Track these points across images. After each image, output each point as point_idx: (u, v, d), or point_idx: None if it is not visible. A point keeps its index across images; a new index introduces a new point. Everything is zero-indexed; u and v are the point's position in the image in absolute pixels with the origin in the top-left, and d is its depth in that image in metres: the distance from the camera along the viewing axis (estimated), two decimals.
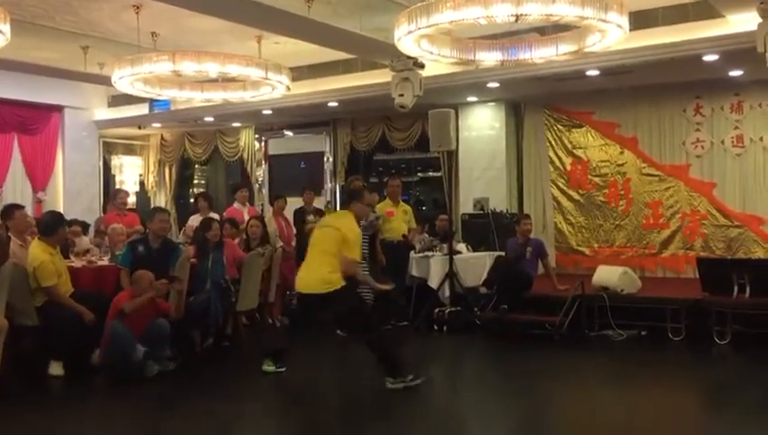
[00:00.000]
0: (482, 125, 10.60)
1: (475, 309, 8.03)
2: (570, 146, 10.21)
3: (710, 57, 7.43)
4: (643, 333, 7.53)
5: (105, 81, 9.03)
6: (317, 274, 5.53)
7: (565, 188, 10.24)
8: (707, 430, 4.96)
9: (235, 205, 9.25)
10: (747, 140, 9.03)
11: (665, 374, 6.42)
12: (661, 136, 9.56)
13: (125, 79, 7.68)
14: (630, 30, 6.04)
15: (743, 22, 6.75)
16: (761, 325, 7.01)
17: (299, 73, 9.16)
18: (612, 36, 6.03)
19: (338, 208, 10.22)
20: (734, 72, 8.29)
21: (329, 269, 5.47)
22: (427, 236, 8.81)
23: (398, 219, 8.46)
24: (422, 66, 8.00)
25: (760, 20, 6.33)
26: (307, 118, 11.84)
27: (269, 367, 5.97)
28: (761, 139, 8.94)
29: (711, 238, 9.22)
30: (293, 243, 8.98)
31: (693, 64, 7.67)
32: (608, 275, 7.93)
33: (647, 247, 9.62)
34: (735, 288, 7.13)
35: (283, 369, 5.95)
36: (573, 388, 6.02)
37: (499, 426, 4.76)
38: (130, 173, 14.14)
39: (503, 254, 8.33)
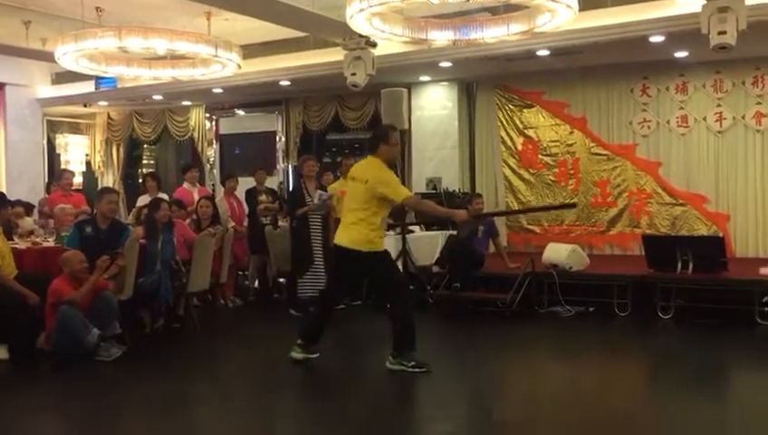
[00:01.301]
0: (434, 105, 10.63)
1: (428, 288, 8.10)
2: (521, 126, 10.33)
3: (656, 38, 7.58)
4: (591, 308, 7.72)
5: (48, 57, 8.76)
6: (352, 232, 5.31)
7: (516, 168, 10.37)
8: (648, 398, 5.13)
9: (185, 185, 9.11)
10: (692, 121, 9.26)
11: (610, 348, 6.61)
12: (609, 116, 9.74)
13: (69, 55, 7.46)
14: (580, 11, 6.14)
15: (688, 3, 6.90)
16: (702, 300, 7.25)
17: (250, 51, 9.04)
18: (562, 17, 6.10)
19: (290, 185, 10.15)
20: (680, 54, 8.47)
21: (359, 228, 5.26)
22: None
23: None
24: (374, 45, 7.97)
25: (704, 2, 6.47)
26: (259, 97, 11.70)
27: (298, 354, 5.61)
28: (704, 119, 9.18)
29: (656, 216, 9.46)
30: (245, 223, 8.90)
31: (640, 45, 7.82)
32: (557, 252, 8.08)
33: (595, 225, 9.83)
34: (679, 264, 7.35)
35: (315, 355, 5.64)
36: (523, 362, 6.15)
37: (449, 400, 4.82)
38: (76, 152, 13.79)
39: (455, 233, 8.41)
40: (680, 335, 6.97)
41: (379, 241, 5.34)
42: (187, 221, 7.93)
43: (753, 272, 7.33)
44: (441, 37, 6.87)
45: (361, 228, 5.29)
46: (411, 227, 8.87)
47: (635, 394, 5.25)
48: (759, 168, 8.91)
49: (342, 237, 5.39)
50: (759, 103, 8.87)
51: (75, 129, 13.82)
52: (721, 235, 8.48)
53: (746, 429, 4.33)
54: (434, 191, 10.25)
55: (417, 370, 5.24)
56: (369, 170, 5.38)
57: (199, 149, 12.72)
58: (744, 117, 8.96)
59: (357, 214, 5.33)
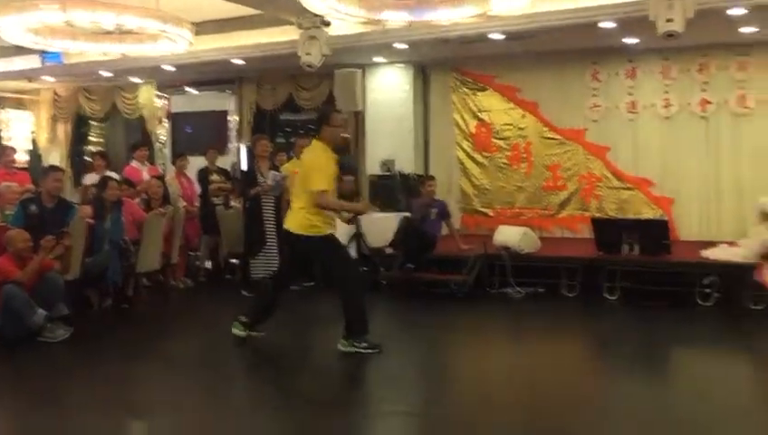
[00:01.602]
0: (389, 86, 10.60)
1: (382, 269, 8.14)
2: (475, 109, 10.39)
3: (607, 24, 7.69)
4: (540, 290, 7.86)
5: None
6: (296, 216, 5.37)
7: (470, 151, 10.44)
8: (594, 376, 5.29)
9: (134, 163, 8.94)
10: (640, 106, 9.45)
11: (558, 328, 6.77)
12: (561, 101, 9.86)
13: (12, 28, 7.20)
14: None
15: None
16: (647, 282, 7.46)
17: (202, 28, 8.84)
18: (516, 0, 6.14)
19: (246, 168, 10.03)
20: (629, 40, 8.62)
21: (302, 213, 5.30)
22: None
23: None
24: (328, 24, 7.91)
25: None
26: (211, 75, 11.49)
27: (240, 331, 5.64)
28: (652, 105, 9.37)
29: (605, 200, 9.66)
30: (197, 203, 8.79)
31: (590, 31, 7.92)
32: (509, 235, 8.20)
33: (546, 209, 9.98)
34: (626, 247, 7.53)
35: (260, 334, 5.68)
36: (474, 343, 6.26)
37: (401, 381, 4.87)
38: (20, 129, 13.36)
39: (408, 215, 8.44)
40: (625, 316, 7.16)
41: (323, 225, 5.33)
42: (137, 200, 7.79)
43: (694, 255, 7.57)
44: (396, 18, 6.86)
45: (304, 213, 5.32)
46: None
47: (582, 373, 5.40)
48: (703, 154, 9.15)
49: (288, 222, 5.47)
50: (704, 90, 9.09)
51: (19, 104, 13.38)
52: (665, 218, 8.71)
53: (684, 403, 4.50)
54: (388, 173, 10.26)
55: (369, 351, 5.24)
56: (307, 154, 5.49)
57: (149, 127, 12.46)
58: (689, 103, 9.18)
59: (300, 198, 5.39)
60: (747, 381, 5.18)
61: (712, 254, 7.49)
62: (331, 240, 5.44)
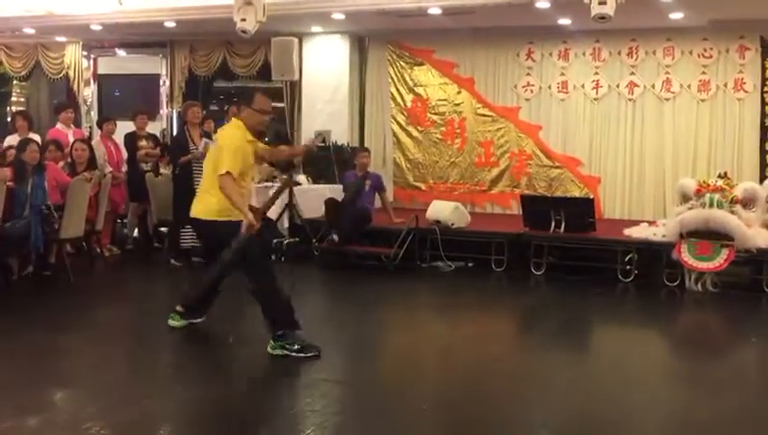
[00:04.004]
0: (326, 57, 10.50)
1: (313, 241, 8.12)
2: (411, 83, 10.41)
3: (542, 4, 7.80)
4: (470, 264, 8.02)
5: None
6: (202, 200, 4.90)
7: (405, 125, 10.47)
8: (518, 349, 5.47)
9: (59, 126, 8.61)
10: (571, 87, 9.66)
11: (486, 302, 6.94)
12: (495, 78, 9.98)
13: None
14: None
15: None
16: (572, 258, 7.71)
17: None
18: None
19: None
20: (563, 21, 8.78)
21: (207, 197, 4.83)
22: (266, 166, 8.71)
23: None
24: None
25: None
26: (142, 37, 11.11)
27: (176, 321, 5.21)
28: (582, 86, 9.60)
29: (534, 177, 9.87)
30: (124, 169, 8.55)
31: (526, 10, 8.02)
32: (440, 209, 8.30)
33: (478, 184, 10.14)
34: (552, 223, 7.75)
35: (199, 320, 5.26)
36: (403, 315, 6.35)
37: (327, 352, 4.90)
38: None
39: (331, 197, 8.34)
40: (550, 290, 7.39)
41: (217, 211, 4.78)
42: (61, 164, 7.51)
43: (618, 233, 7.85)
44: None
45: (204, 196, 4.90)
46: (297, 179, 8.84)
47: (507, 346, 5.56)
48: (629, 135, 9.44)
49: (194, 208, 4.99)
50: (632, 74, 9.36)
51: None
52: (591, 197, 8.98)
53: (603, 375, 4.71)
54: (323, 144, 10.20)
55: (302, 354, 4.63)
56: (224, 133, 5.02)
57: (75, 88, 11.99)
58: (618, 86, 9.44)
59: (206, 179, 4.91)
60: (657, 352, 5.47)
61: (633, 232, 7.78)
62: (235, 227, 4.76)
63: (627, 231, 7.84)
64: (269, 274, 4.86)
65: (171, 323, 5.23)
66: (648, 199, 9.35)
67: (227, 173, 4.65)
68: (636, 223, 8.26)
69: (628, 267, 7.38)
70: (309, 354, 4.64)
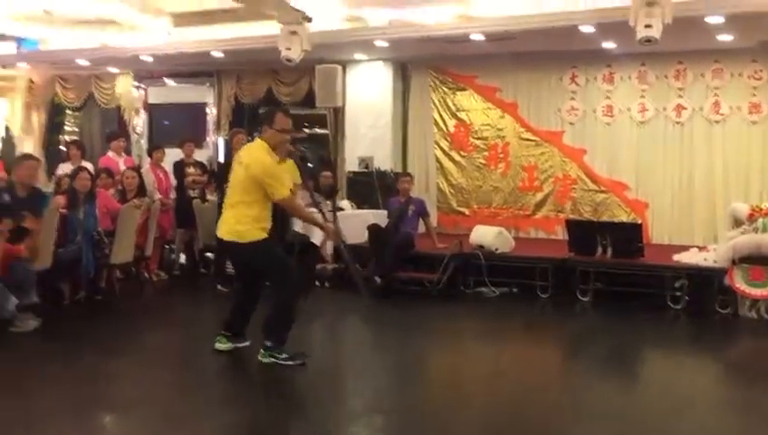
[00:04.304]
0: (369, 83, 10.61)
1: (357, 266, 8.11)
2: (453, 108, 10.43)
3: (586, 28, 7.77)
4: (514, 290, 7.92)
5: None
6: (230, 223, 4.99)
7: (448, 150, 10.48)
8: (564, 377, 5.35)
9: (110, 154, 8.86)
10: (616, 111, 9.55)
11: (531, 328, 6.85)
12: (539, 102, 9.94)
13: None
14: None
15: None
16: (619, 283, 7.54)
17: (182, 20, 8.81)
18: (497, 1, 6.18)
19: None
20: (608, 45, 8.71)
21: (237, 219, 4.92)
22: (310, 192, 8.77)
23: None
24: (310, 20, 7.89)
25: None
26: (190, 67, 11.39)
27: (223, 344, 5.27)
28: (628, 109, 9.48)
29: (580, 202, 9.75)
30: (172, 196, 8.72)
31: (570, 34, 7.99)
32: (484, 234, 8.25)
33: (521, 209, 10.06)
34: (599, 249, 7.62)
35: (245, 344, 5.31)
36: (447, 341, 6.29)
37: (373, 378, 4.89)
38: None
39: (375, 223, 8.34)
40: (597, 317, 7.25)
41: (247, 232, 4.90)
42: (112, 191, 7.72)
43: (667, 258, 7.67)
44: (378, 16, 6.86)
45: (229, 218, 4.97)
46: (341, 205, 8.89)
47: (553, 373, 5.46)
48: (677, 158, 9.28)
49: (220, 229, 5.09)
50: (680, 97, 9.22)
51: None
52: (639, 221, 8.82)
53: (651, 403, 4.57)
54: (366, 169, 10.27)
55: (290, 362, 4.88)
56: (250, 154, 4.98)
57: (126, 118, 12.33)
58: (665, 109, 9.30)
59: (233, 204, 4.97)
60: (709, 381, 5.31)
61: (683, 258, 7.61)
62: (265, 244, 4.96)
63: (676, 257, 7.67)
64: (295, 293, 5.08)
65: (262, 359, 5.06)
66: (698, 224, 9.15)
67: (289, 196, 4.88)
68: (685, 248, 8.06)
69: (677, 294, 7.20)
70: (297, 362, 4.89)
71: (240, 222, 4.92)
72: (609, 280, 7.60)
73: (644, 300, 7.32)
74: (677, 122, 9.25)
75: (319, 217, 5.37)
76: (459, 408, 4.47)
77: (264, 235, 4.93)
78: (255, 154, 4.93)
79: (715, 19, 7.27)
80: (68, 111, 13.48)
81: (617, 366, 5.51)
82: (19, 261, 5.81)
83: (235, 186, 4.98)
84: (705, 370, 5.63)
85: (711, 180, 9.09)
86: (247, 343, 5.34)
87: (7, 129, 13.26)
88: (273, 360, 4.91)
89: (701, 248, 7.89)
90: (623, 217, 9.37)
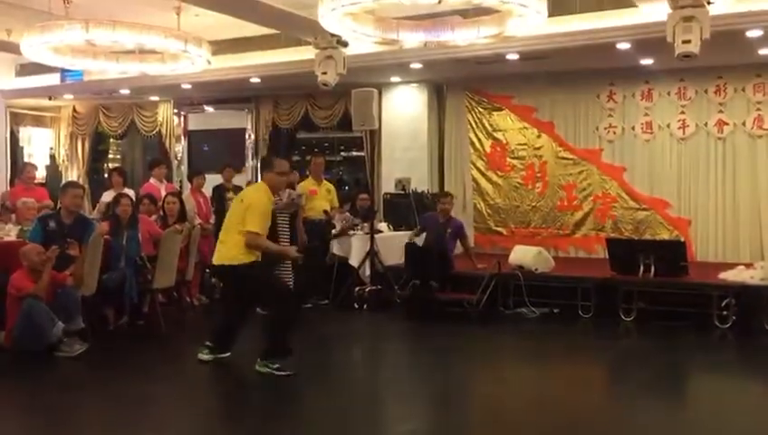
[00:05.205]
0: (405, 105, 10.67)
1: (395, 287, 8.12)
2: (490, 128, 10.42)
3: (623, 45, 7.71)
4: (555, 310, 7.82)
5: (13, 48, 8.58)
6: (223, 249, 5.48)
7: (484, 170, 10.45)
8: (609, 400, 5.23)
9: (152, 181, 9.01)
10: (656, 127, 9.44)
11: (574, 349, 6.71)
12: (576, 121, 9.87)
13: (35, 47, 7.32)
14: (549, 16, 6.20)
15: (654, 12, 7.02)
16: (663, 303, 7.39)
17: (220, 47, 8.96)
18: (531, 21, 6.17)
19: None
20: (645, 61, 8.63)
21: (230, 245, 5.38)
22: (348, 214, 8.84)
23: (321, 198, 8.45)
24: (345, 44, 7.97)
25: (670, 10, 6.60)
26: (228, 93, 11.61)
27: (205, 355, 5.68)
28: (668, 126, 9.36)
29: (620, 220, 9.62)
30: (212, 220, 8.84)
31: (607, 52, 7.94)
32: (523, 254, 8.17)
33: (561, 228, 9.96)
34: (641, 268, 7.48)
35: (225, 355, 5.72)
36: (488, 363, 6.21)
37: (413, 402, 4.85)
38: (40, 146, 13.54)
39: (412, 242, 8.35)
40: (641, 338, 7.10)
41: (236, 257, 5.34)
42: (154, 217, 7.85)
43: (712, 276, 7.50)
44: (412, 38, 6.90)
45: (221, 246, 5.47)
46: (379, 227, 8.91)
47: (597, 396, 5.35)
48: (720, 174, 9.11)
49: (215, 257, 5.56)
50: (721, 111, 9.07)
51: (39, 121, 13.57)
52: (682, 239, 8.66)
53: (702, 428, 4.45)
54: (402, 191, 10.29)
55: (282, 373, 5.27)
56: (250, 193, 5.69)
57: (167, 144, 12.59)
58: (706, 124, 9.15)
59: (228, 231, 5.46)
60: (762, 402, 5.12)
61: (729, 276, 7.43)
62: (256, 267, 5.41)
63: (722, 275, 7.48)
64: (291, 311, 5.50)
65: (259, 368, 5.39)
66: (744, 241, 8.94)
67: (257, 233, 5.29)
68: (731, 266, 7.85)
69: (724, 313, 7.02)
70: (288, 373, 5.25)
71: (230, 249, 5.38)
72: (652, 299, 7.45)
73: (689, 320, 7.16)
74: (719, 138, 9.10)
75: (276, 245, 5.95)
76: (500, 430, 4.40)
77: (254, 259, 5.37)
78: (254, 194, 5.54)
79: (755, 32, 7.15)
80: (111, 139, 13.83)
81: (664, 388, 5.36)
82: (65, 287, 5.93)
83: (232, 220, 5.47)
84: (756, 391, 5.44)
85: (755, 196, 8.90)
86: (228, 354, 5.70)
87: (53, 157, 13.64)
88: (267, 370, 5.30)
89: (747, 266, 7.69)
90: (665, 235, 9.22)
